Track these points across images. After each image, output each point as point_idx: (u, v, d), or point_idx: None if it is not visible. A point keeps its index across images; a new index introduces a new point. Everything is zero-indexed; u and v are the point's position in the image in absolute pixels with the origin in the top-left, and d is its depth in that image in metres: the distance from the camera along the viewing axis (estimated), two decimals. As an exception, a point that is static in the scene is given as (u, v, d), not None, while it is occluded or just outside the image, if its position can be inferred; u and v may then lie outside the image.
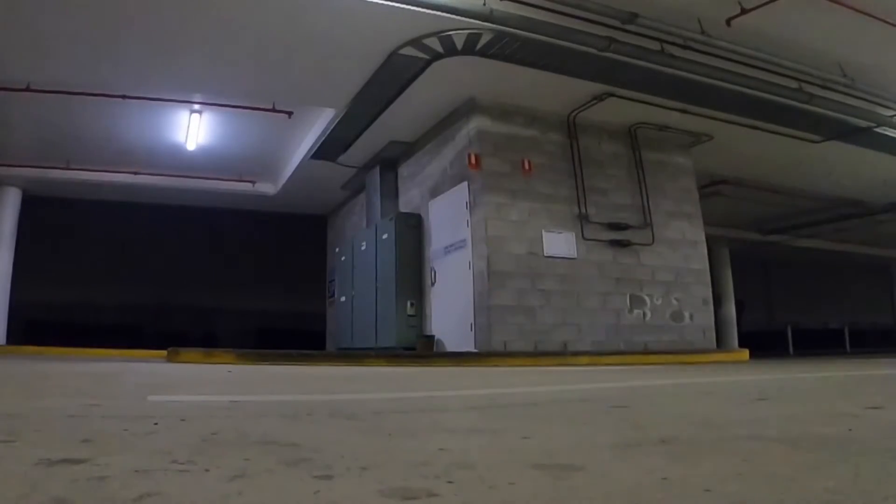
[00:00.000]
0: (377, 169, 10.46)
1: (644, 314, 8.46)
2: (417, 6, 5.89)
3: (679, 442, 1.57)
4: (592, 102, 8.29)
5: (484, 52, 6.85)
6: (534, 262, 7.90)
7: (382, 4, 5.89)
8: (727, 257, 15.60)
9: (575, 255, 8.17)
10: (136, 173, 11.41)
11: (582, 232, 8.27)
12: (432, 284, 8.83)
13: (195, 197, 12.67)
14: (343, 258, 11.39)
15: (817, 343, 17.56)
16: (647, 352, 8.03)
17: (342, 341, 10.94)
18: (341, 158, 10.39)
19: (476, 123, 8.13)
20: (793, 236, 15.60)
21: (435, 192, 9.00)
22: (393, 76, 7.44)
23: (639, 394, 3.26)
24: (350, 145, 9.78)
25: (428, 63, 7.10)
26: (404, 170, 10.23)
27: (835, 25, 6.67)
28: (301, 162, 10.61)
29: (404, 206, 10.00)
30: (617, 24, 6.40)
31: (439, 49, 6.81)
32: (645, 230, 8.70)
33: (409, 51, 6.84)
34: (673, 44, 6.76)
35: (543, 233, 8.05)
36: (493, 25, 6.23)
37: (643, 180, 8.93)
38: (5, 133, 9.72)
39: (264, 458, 1.28)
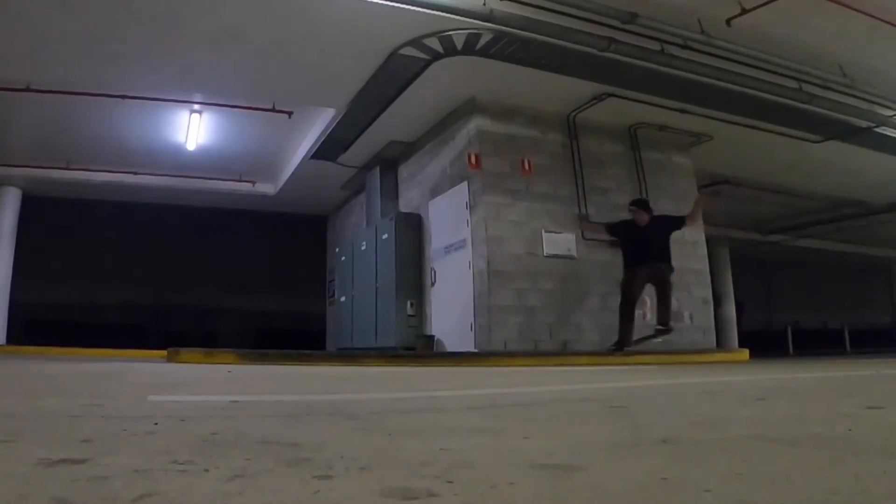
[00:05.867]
0: (377, 169, 10.46)
1: (644, 314, 8.45)
2: (417, 6, 5.89)
3: (679, 442, 1.57)
4: (592, 102, 8.29)
5: (484, 52, 6.85)
6: (534, 262, 7.90)
7: (382, 4, 5.89)
8: (727, 257, 15.60)
9: (575, 255, 8.17)
10: (136, 173, 11.43)
11: (582, 232, 8.27)
12: (432, 284, 8.83)
13: (195, 197, 12.68)
14: (343, 258, 11.39)
15: (817, 343, 17.56)
16: (646, 352, 8.01)
17: (342, 341, 10.94)
18: (341, 158, 10.39)
19: (476, 123, 8.13)
20: (793, 236, 15.60)
21: (435, 192, 8.99)
22: (393, 76, 7.45)
23: (639, 394, 3.26)
24: (350, 145, 9.78)
25: (428, 63, 7.11)
26: (404, 170, 10.22)
27: (835, 25, 6.66)
28: (301, 162, 10.61)
29: (404, 206, 9.99)
30: (617, 24, 6.40)
31: (439, 49, 6.82)
32: (645, 230, 8.69)
33: (409, 51, 6.85)
34: (673, 44, 6.76)
35: (543, 233, 8.05)
36: (493, 25, 6.23)
37: (643, 180, 8.93)
38: (5, 133, 9.73)
39: (264, 457, 1.28)
